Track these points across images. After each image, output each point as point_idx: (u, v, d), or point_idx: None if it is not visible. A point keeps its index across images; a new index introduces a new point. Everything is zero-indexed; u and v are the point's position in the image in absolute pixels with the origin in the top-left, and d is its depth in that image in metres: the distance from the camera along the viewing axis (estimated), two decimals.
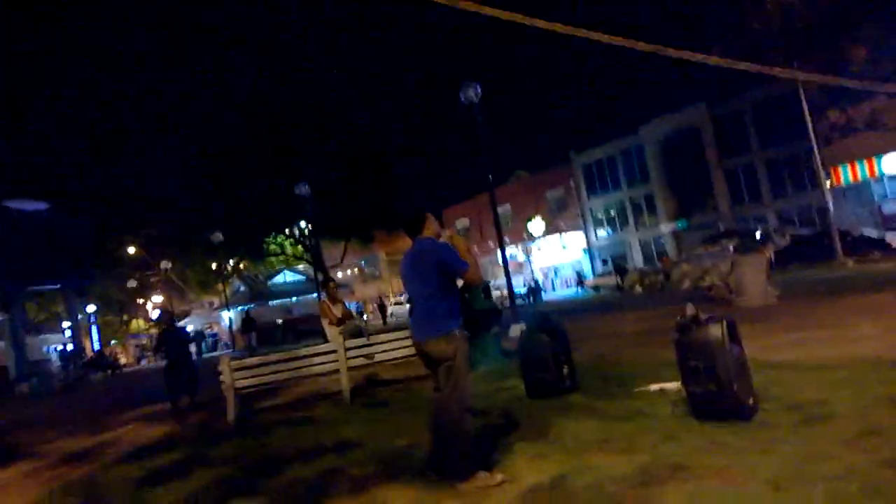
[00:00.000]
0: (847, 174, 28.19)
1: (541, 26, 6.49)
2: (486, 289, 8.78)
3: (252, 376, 7.55)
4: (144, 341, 45.27)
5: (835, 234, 20.17)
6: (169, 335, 9.67)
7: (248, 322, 28.77)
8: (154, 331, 49.73)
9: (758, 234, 20.97)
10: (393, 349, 7.50)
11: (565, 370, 5.78)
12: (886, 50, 12.85)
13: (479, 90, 13.79)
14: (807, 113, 21.69)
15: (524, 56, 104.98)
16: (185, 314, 45.81)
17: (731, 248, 20.36)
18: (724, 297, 12.26)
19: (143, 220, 31.45)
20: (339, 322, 7.66)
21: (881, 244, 21.60)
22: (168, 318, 10.63)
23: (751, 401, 4.02)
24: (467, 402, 3.70)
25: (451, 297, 3.77)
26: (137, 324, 53.18)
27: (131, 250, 40.21)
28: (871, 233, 23.43)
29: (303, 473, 4.63)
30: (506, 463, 3.94)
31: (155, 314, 50.27)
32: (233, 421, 7.31)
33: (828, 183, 22.66)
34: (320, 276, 25.87)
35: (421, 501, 3.57)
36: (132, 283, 42.61)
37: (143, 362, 39.46)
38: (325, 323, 8.39)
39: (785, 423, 3.75)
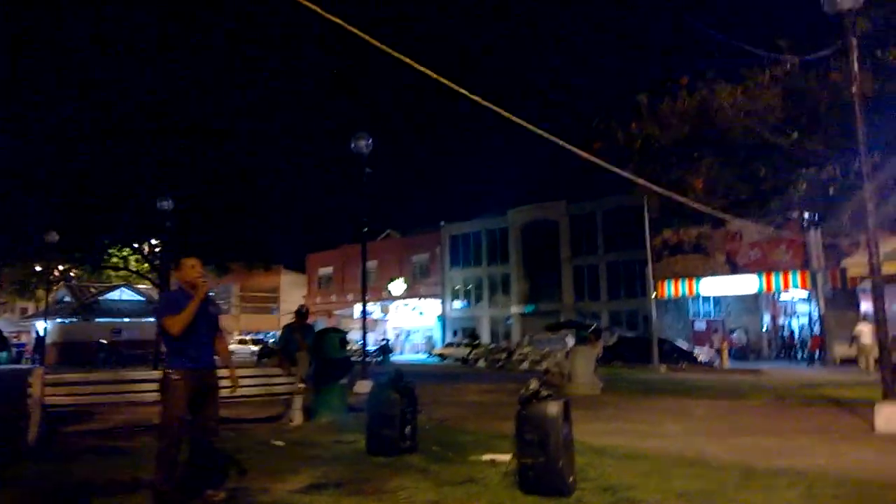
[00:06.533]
0: (670, 289, 32.08)
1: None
2: (343, 339, 8.76)
3: (67, 394, 6.80)
4: None
5: (654, 342, 22.67)
6: None
7: (38, 340, 26.49)
8: None
9: (591, 329, 22.99)
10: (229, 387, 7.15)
11: (408, 430, 5.93)
12: (718, 186, 15.39)
13: (370, 142, 14.16)
14: (647, 227, 24.66)
15: (416, 115, 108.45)
16: None
17: (569, 338, 22.05)
18: (557, 383, 13.22)
19: None
20: None
21: (689, 356, 24.62)
22: None
23: (571, 479, 4.44)
24: (166, 435, 4.23)
25: (171, 342, 4.33)
26: None
27: None
28: (683, 345, 26.60)
29: None
30: None
31: None
32: (33, 441, 6.47)
33: (654, 294, 25.60)
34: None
35: None
36: None
37: None
38: None
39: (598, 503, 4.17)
